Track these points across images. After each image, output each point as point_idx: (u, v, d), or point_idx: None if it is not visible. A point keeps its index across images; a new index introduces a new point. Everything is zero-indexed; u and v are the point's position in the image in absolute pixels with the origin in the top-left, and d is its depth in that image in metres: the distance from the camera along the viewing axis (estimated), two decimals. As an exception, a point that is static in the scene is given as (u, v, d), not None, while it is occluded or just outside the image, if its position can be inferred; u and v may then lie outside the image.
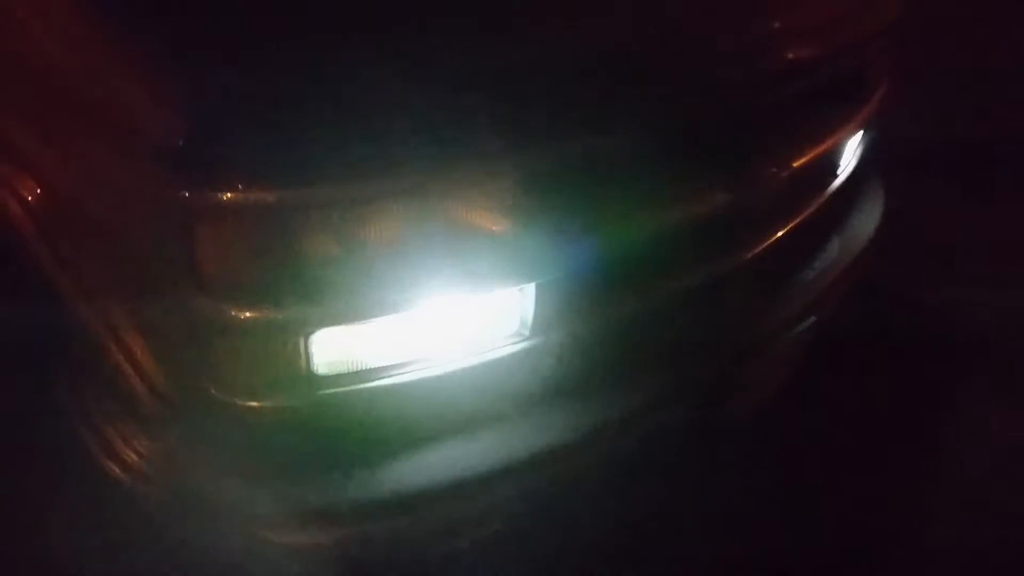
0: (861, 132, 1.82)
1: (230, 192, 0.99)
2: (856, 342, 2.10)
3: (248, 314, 1.05)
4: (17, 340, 1.45)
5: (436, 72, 1.11)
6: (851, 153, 1.82)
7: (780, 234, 1.54)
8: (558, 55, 1.19)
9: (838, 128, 1.62)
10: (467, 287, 1.15)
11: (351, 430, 1.18)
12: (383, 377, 1.16)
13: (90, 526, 1.59)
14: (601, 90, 1.20)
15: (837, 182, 1.76)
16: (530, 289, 1.21)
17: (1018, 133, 3.47)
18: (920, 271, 2.56)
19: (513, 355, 1.24)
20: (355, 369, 1.15)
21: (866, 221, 1.89)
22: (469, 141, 1.09)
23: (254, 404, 1.12)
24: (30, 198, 1.28)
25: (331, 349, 1.12)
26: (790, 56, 1.42)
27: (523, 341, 1.24)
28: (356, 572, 1.32)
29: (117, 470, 1.54)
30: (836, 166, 1.75)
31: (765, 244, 1.48)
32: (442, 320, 1.18)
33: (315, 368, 1.12)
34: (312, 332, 1.09)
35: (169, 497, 1.26)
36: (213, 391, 1.12)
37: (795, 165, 1.47)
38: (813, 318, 1.59)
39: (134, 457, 1.53)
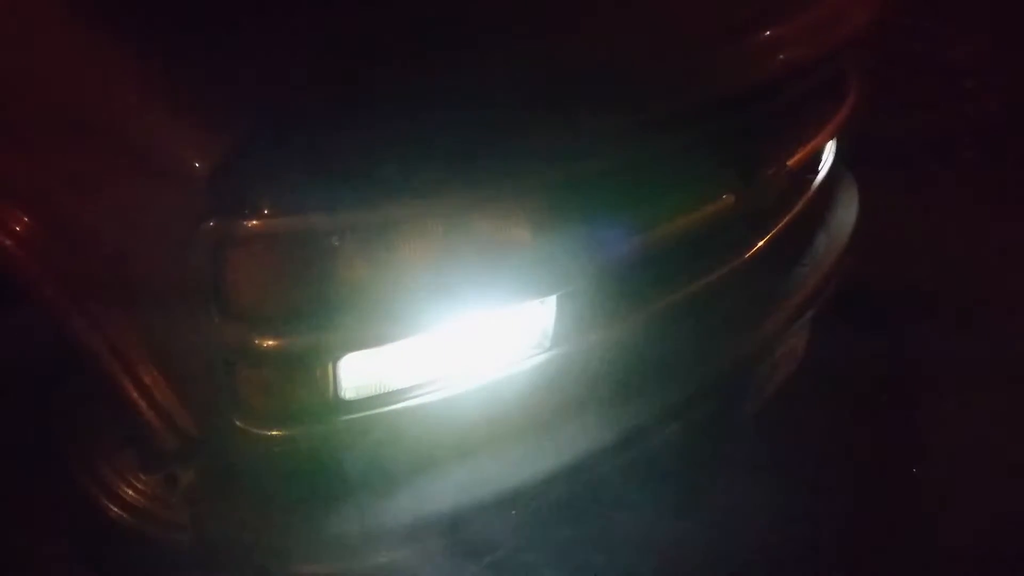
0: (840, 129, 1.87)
1: (258, 219, 0.96)
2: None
3: (277, 341, 1.02)
4: (11, 378, 1.40)
5: (456, 91, 1.09)
6: (830, 150, 1.87)
7: (780, 230, 1.57)
8: (566, 68, 1.19)
9: (825, 125, 1.66)
10: (491, 303, 1.14)
11: (378, 454, 1.16)
12: (407, 399, 1.15)
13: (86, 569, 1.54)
14: (614, 102, 1.20)
15: (818, 180, 1.80)
16: (551, 301, 1.20)
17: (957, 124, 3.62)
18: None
19: (535, 367, 1.24)
20: (380, 392, 1.13)
21: (846, 216, 1.94)
22: (488, 159, 1.08)
23: (280, 433, 1.10)
24: (19, 229, 1.23)
25: (357, 373, 1.10)
26: (784, 60, 1.45)
27: (544, 352, 1.24)
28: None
29: (116, 509, 1.50)
30: (819, 163, 1.79)
31: (768, 241, 1.51)
32: (465, 337, 1.17)
33: (342, 393, 1.10)
34: (340, 357, 1.07)
35: (188, 535, 1.22)
36: (238, 421, 1.09)
37: (791, 165, 1.50)
38: (811, 312, 1.62)
39: (133, 495, 1.49)
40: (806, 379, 1.72)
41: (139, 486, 1.50)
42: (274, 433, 1.10)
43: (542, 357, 1.24)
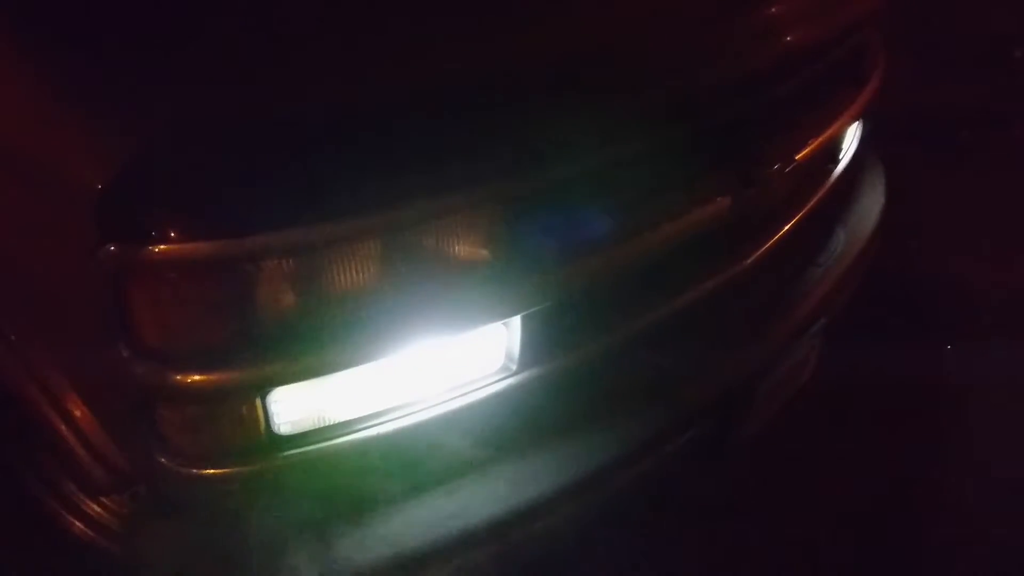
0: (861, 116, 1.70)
1: (163, 244, 0.85)
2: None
3: (194, 377, 0.92)
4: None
5: (397, 97, 0.97)
6: (851, 138, 1.71)
7: (790, 230, 1.42)
8: (531, 70, 1.05)
9: (839, 114, 1.50)
10: (444, 328, 1.02)
11: (323, 491, 1.06)
12: (355, 431, 1.04)
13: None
14: (587, 108, 1.06)
15: (838, 169, 1.64)
16: (515, 322, 1.08)
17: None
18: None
19: (500, 392, 1.12)
20: (323, 425, 1.03)
21: (870, 208, 1.77)
22: (438, 168, 0.96)
23: (211, 472, 1.00)
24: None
25: (293, 406, 1.00)
26: (788, 47, 1.29)
27: (510, 376, 1.12)
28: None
29: (80, 525, 1.42)
30: (836, 153, 1.63)
31: (767, 248, 1.36)
32: (419, 363, 1.05)
33: (276, 428, 1.00)
34: (268, 391, 0.96)
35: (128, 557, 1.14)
36: (164, 460, 0.99)
37: (797, 159, 1.34)
38: (823, 320, 1.47)
39: (97, 511, 1.41)
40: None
41: (104, 502, 1.43)
42: (205, 472, 1.00)
43: (508, 382, 1.12)
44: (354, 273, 0.95)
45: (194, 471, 0.99)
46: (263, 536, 1.07)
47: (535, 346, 1.11)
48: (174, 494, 1.05)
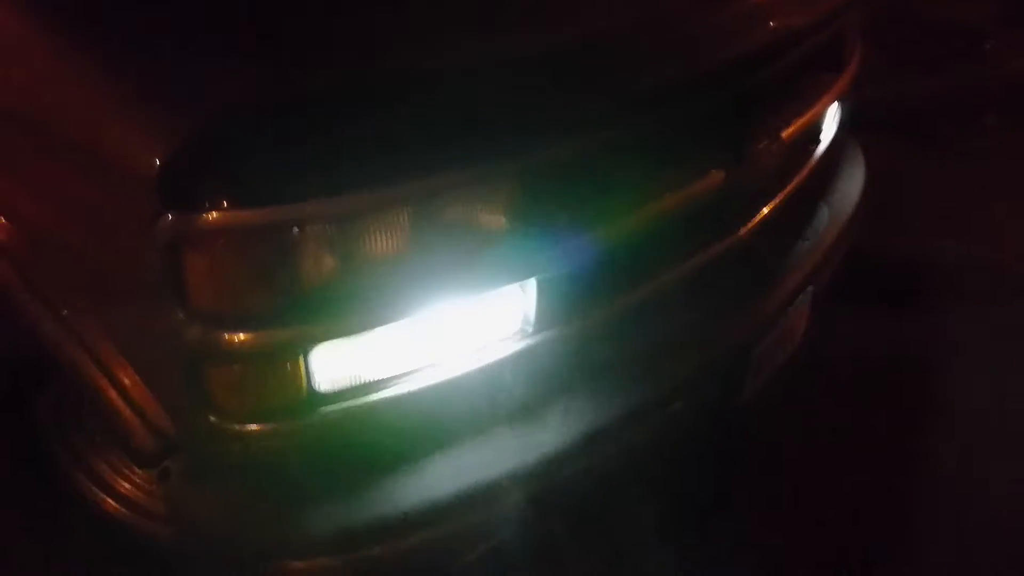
0: (842, 97, 1.81)
1: (215, 213, 0.94)
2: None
3: (243, 337, 1.00)
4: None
5: (424, 75, 1.06)
6: (832, 120, 1.81)
7: (778, 204, 1.52)
8: (546, 50, 1.15)
9: (822, 95, 1.60)
10: (467, 289, 1.11)
11: (359, 446, 1.14)
12: (387, 388, 1.12)
13: (87, 564, 1.54)
14: (596, 84, 1.16)
15: (820, 149, 1.74)
16: (531, 285, 1.17)
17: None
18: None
19: (518, 353, 1.21)
20: (358, 383, 1.11)
21: (851, 186, 1.88)
22: (462, 142, 1.05)
23: (255, 428, 1.08)
24: (2, 237, 1.22)
25: (332, 364, 1.08)
26: (774, 30, 1.39)
27: (527, 338, 1.21)
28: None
29: (112, 503, 1.49)
30: (819, 134, 1.73)
31: (762, 219, 1.46)
32: (444, 324, 1.14)
33: (316, 385, 1.08)
34: (310, 349, 1.04)
35: (172, 530, 1.21)
36: (212, 419, 1.07)
37: (785, 137, 1.44)
38: (811, 288, 1.57)
39: (129, 488, 1.48)
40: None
41: (135, 480, 1.49)
42: (250, 429, 1.08)
43: (526, 343, 1.21)
44: (386, 238, 1.03)
45: (241, 427, 1.07)
46: (304, 492, 1.14)
47: (549, 310, 1.20)
48: (215, 453, 1.12)
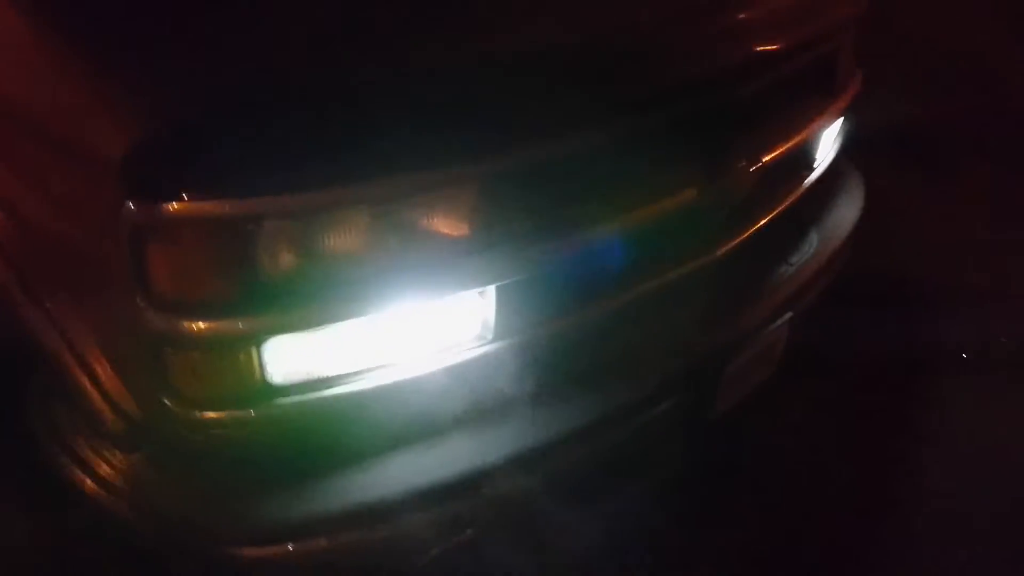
0: (838, 123, 1.81)
1: (176, 204, 0.98)
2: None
3: (200, 325, 1.04)
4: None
5: (390, 77, 1.10)
6: (828, 145, 1.81)
7: (753, 230, 1.52)
8: (515, 55, 1.18)
9: (812, 119, 1.61)
10: (424, 292, 1.14)
11: (314, 439, 1.17)
12: (343, 384, 1.15)
13: (63, 542, 1.58)
14: (564, 91, 1.18)
15: (814, 175, 1.74)
16: (491, 292, 1.19)
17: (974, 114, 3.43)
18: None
19: (477, 359, 1.23)
20: (313, 377, 1.14)
21: (845, 214, 1.87)
22: (424, 146, 1.08)
23: (212, 415, 1.11)
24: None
25: (288, 358, 1.11)
26: (760, 47, 1.40)
27: (486, 344, 1.23)
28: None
29: (91, 483, 1.53)
30: (812, 158, 1.73)
31: (738, 240, 1.46)
32: (401, 325, 1.16)
33: (272, 377, 1.11)
34: (266, 341, 1.08)
35: (138, 512, 1.25)
36: (170, 404, 1.11)
37: (766, 159, 1.45)
38: (790, 313, 1.57)
39: (108, 470, 1.52)
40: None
41: (115, 463, 1.53)
42: (207, 416, 1.11)
43: (484, 349, 1.23)
44: (345, 237, 1.07)
45: (196, 414, 1.11)
46: (259, 481, 1.18)
47: (509, 318, 1.22)
48: (177, 439, 1.16)
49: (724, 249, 1.46)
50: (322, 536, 1.20)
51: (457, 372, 1.22)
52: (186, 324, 1.04)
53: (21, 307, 1.23)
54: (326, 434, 1.17)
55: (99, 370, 1.19)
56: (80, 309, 1.17)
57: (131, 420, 1.19)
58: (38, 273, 1.22)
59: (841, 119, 1.82)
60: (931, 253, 2.61)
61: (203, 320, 1.04)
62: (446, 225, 1.13)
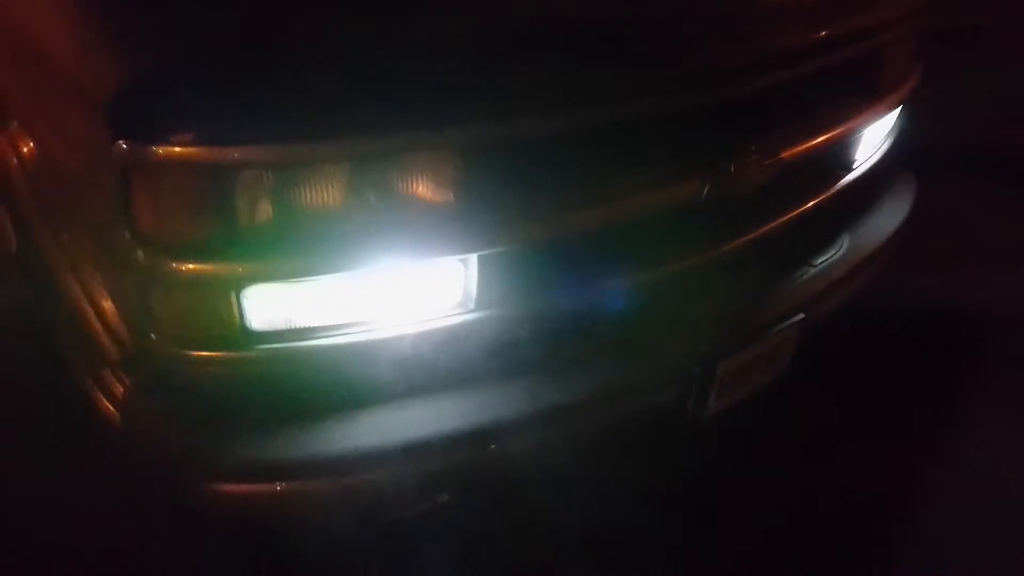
0: (888, 122, 1.72)
1: (163, 145, 1.02)
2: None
3: (181, 266, 1.08)
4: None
5: (382, 38, 1.11)
6: (873, 144, 1.73)
7: (774, 227, 1.48)
8: (513, 26, 1.18)
9: (849, 115, 1.54)
10: (403, 253, 1.15)
11: (291, 387, 1.21)
12: (322, 336, 1.18)
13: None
14: (557, 66, 1.17)
15: (851, 175, 1.67)
16: (472, 261, 1.20)
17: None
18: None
19: (457, 327, 1.24)
20: (292, 327, 1.17)
21: (886, 221, 1.79)
22: (412, 108, 1.09)
23: (192, 354, 1.16)
24: (29, 156, 1.36)
25: (267, 305, 1.15)
26: (788, 37, 1.35)
27: (467, 313, 1.24)
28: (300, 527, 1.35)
29: (110, 406, 1.60)
30: (848, 157, 1.66)
31: (754, 237, 1.42)
32: (381, 286, 1.19)
33: (249, 323, 1.15)
34: (244, 287, 1.11)
35: (124, 439, 1.31)
36: (155, 338, 1.16)
37: (785, 155, 1.40)
38: (801, 316, 1.51)
39: (113, 393, 1.58)
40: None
41: (115, 388, 1.59)
42: (188, 354, 1.16)
43: (464, 318, 1.24)
44: (326, 191, 1.09)
45: (178, 351, 1.16)
46: (238, 421, 1.22)
47: (491, 289, 1.23)
48: (164, 372, 1.22)
49: (724, 242, 1.42)
50: (295, 479, 1.23)
51: (436, 337, 1.24)
52: (168, 263, 1.08)
53: (38, 233, 1.31)
54: (303, 383, 1.21)
55: (99, 298, 1.26)
56: (84, 240, 1.24)
57: (126, 349, 1.26)
58: (52, 201, 1.30)
59: (892, 117, 1.75)
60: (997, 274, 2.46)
61: (185, 261, 1.08)
62: (429, 189, 1.14)
